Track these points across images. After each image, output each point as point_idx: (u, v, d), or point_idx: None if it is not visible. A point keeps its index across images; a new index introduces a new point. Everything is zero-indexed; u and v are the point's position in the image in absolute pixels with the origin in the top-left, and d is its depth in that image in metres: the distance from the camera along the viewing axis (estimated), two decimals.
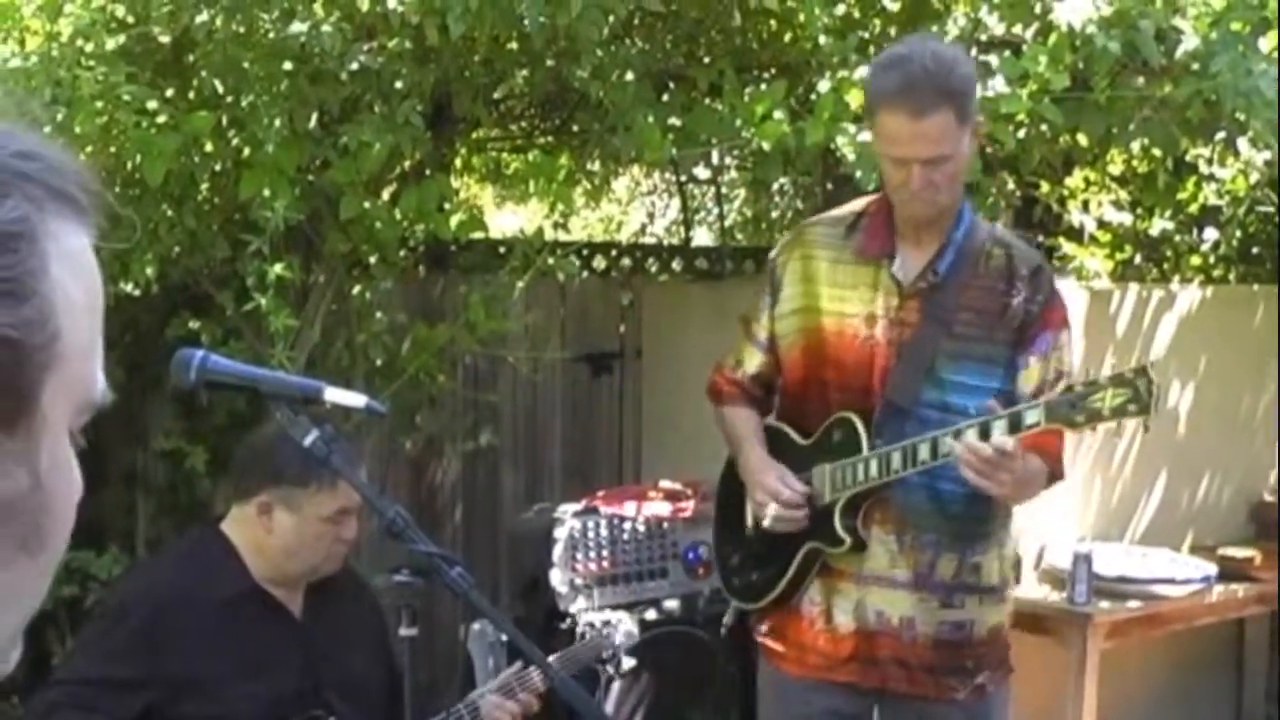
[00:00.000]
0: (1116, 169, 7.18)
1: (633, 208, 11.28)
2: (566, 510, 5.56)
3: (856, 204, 4.02)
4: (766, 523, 3.91)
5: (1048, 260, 5.37)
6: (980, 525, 3.94)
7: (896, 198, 3.79)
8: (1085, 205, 7.14)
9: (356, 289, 5.60)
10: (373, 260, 5.39)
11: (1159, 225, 7.49)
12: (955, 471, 3.64)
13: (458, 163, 6.86)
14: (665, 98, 5.51)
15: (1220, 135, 5.43)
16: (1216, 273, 7.77)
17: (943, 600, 3.91)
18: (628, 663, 4.47)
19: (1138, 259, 7.76)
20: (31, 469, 1.03)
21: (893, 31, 5.45)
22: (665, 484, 5.90)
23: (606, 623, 4.63)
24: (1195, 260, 7.75)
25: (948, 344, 3.81)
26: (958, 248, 3.83)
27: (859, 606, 3.92)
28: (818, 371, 3.92)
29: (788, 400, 4.06)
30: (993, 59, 5.01)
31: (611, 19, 4.87)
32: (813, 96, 5.12)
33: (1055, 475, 3.96)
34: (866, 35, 5.34)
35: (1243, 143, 5.42)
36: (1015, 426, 3.57)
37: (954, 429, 3.63)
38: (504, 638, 5.10)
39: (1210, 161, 6.86)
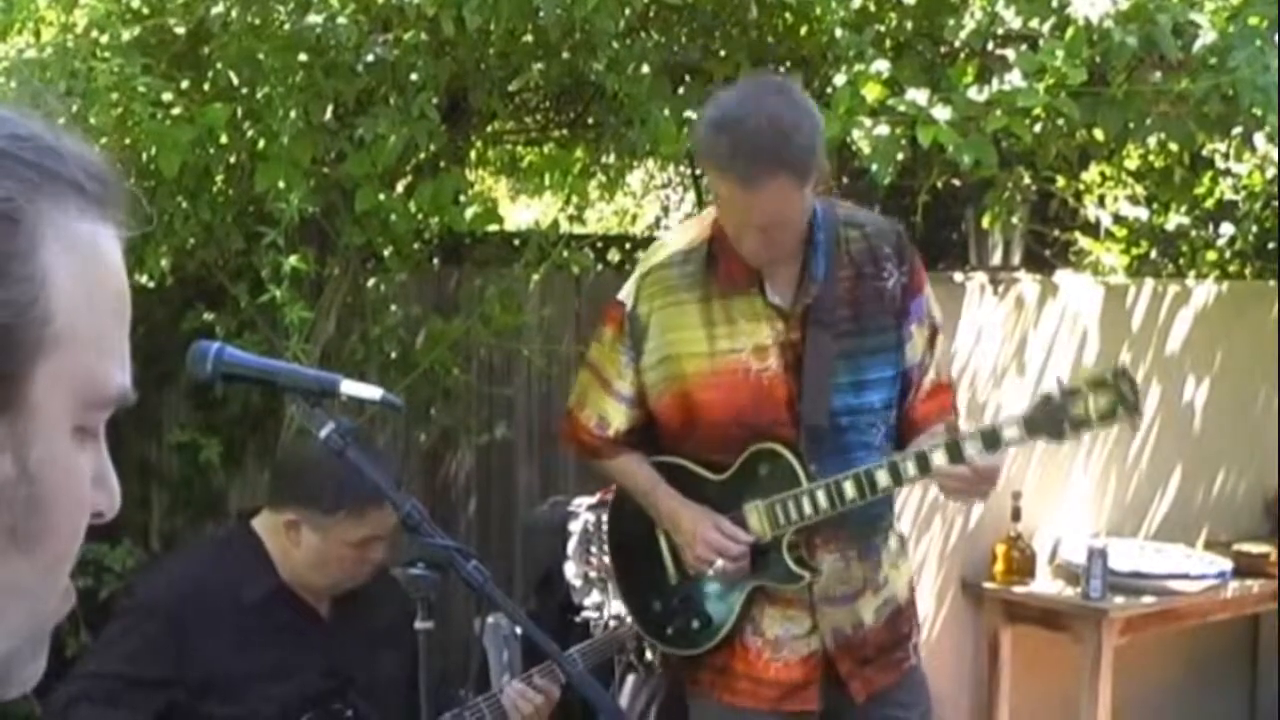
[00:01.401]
0: (1133, 164, 7.16)
1: (647, 201, 11.26)
2: (581, 504, 5.55)
3: (695, 230, 3.82)
4: (711, 573, 3.77)
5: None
6: (876, 509, 3.82)
7: (741, 249, 3.61)
8: (1101, 200, 7.12)
9: (371, 282, 5.60)
10: (387, 253, 5.38)
11: (1175, 220, 7.47)
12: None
13: (473, 155, 6.85)
14: (681, 91, 5.50)
15: (1237, 130, 5.41)
16: (1232, 268, 7.75)
17: (877, 588, 3.87)
18: (650, 657, 4.44)
19: (1153, 254, 7.75)
20: (18, 456, 1.01)
21: (908, 26, 5.44)
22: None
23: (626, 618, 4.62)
24: (1211, 256, 7.73)
25: (838, 347, 3.68)
26: (823, 249, 3.67)
27: (814, 630, 3.82)
28: (702, 414, 3.73)
29: (675, 439, 3.83)
30: (1009, 53, 5.00)
31: (628, 12, 4.86)
32: (828, 90, 5.11)
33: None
34: (883, 29, 5.33)
35: (1259, 138, 5.40)
36: (993, 444, 3.49)
37: (916, 452, 3.55)
38: (519, 631, 5.10)
39: (1227, 157, 6.84)
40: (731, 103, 3.56)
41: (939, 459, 3.51)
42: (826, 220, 3.71)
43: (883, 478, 3.56)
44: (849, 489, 3.59)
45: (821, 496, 3.62)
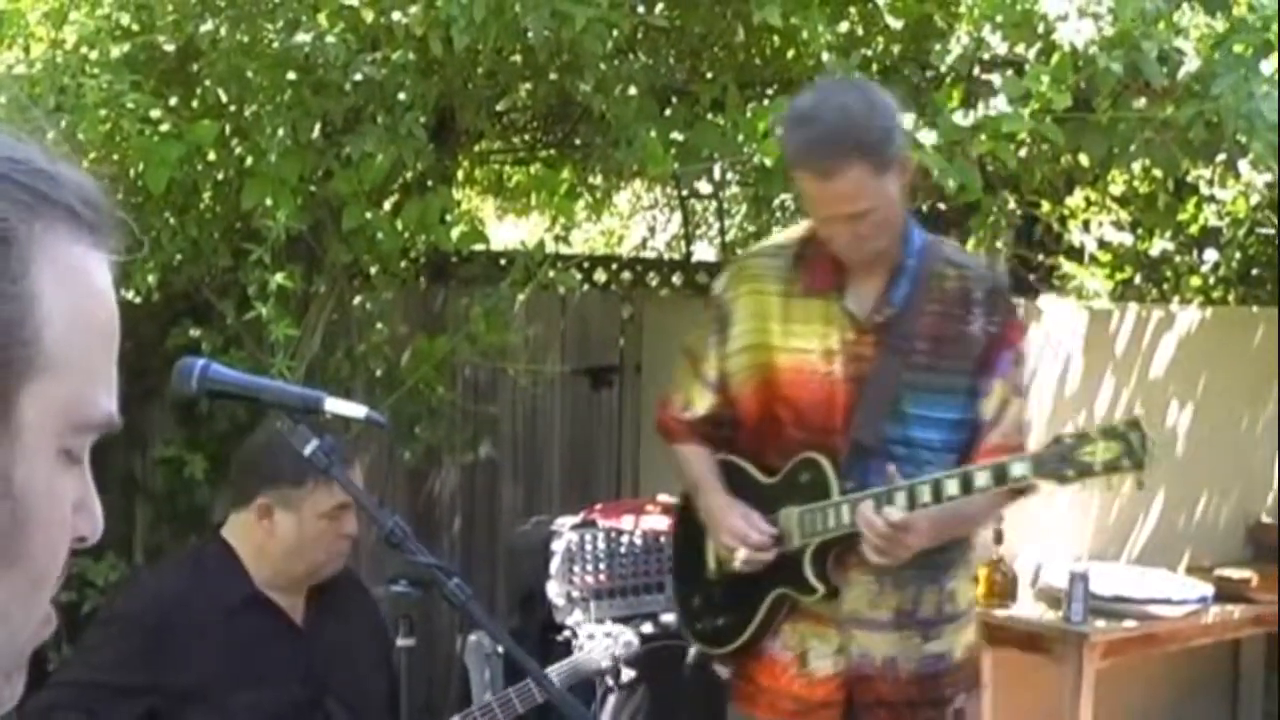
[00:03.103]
0: (1117, 189, 7.19)
1: (634, 222, 11.28)
2: (564, 523, 5.57)
3: (796, 231, 3.89)
4: (736, 564, 3.78)
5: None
6: (952, 552, 3.83)
7: (831, 245, 3.66)
8: (1086, 225, 7.14)
9: (357, 299, 5.60)
10: (374, 271, 5.40)
11: (1159, 246, 7.51)
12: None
13: (460, 175, 6.87)
14: (668, 112, 5.52)
15: (1221, 157, 5.44)
16: (1216, 294, 7.78)
17: (924, 635, 3.81)
18: (627, 674, 4.45)
19: (1138, 279, 7.78)
20: (2, 476, 1.01)
21: (895, 50, 5.47)
22: (663, 498, 5.89)
23: (607, 634, 4.63)
24: (1195, 281, 7.76)
25: (908, 376, 3.68)
26: (911, 275, 3.69)
27: (841, 650, 3.80)
28: (774, 408, 3.77)
29: (747, 435, 3.87)
30: (995, 78, 5.02)
31: (615, 33, 4.88)
32: None
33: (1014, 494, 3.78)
34: (869, 53, 5.35)
35: (1243, 165, 5.44)
36: (1000, 479, 3.48)
37: (933, 478, 3.52)
38: (500, 649, 5.11)
39: (1211, 183, 6.87)
40: (805, 101, 3.65)
41: (951, 488, 3.49)
42: (925, 252, 3.74)
43: (900, 499, 3.52)
44: (863, 508, 3.56)
45: (845, 511, 3.62)
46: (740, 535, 3.74)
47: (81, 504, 1.09)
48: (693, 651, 4.32)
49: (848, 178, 3.48)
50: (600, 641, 4.46)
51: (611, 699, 5.14)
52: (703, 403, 3.90)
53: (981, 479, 3.48)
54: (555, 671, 4.24)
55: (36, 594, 1.08)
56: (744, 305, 3.80)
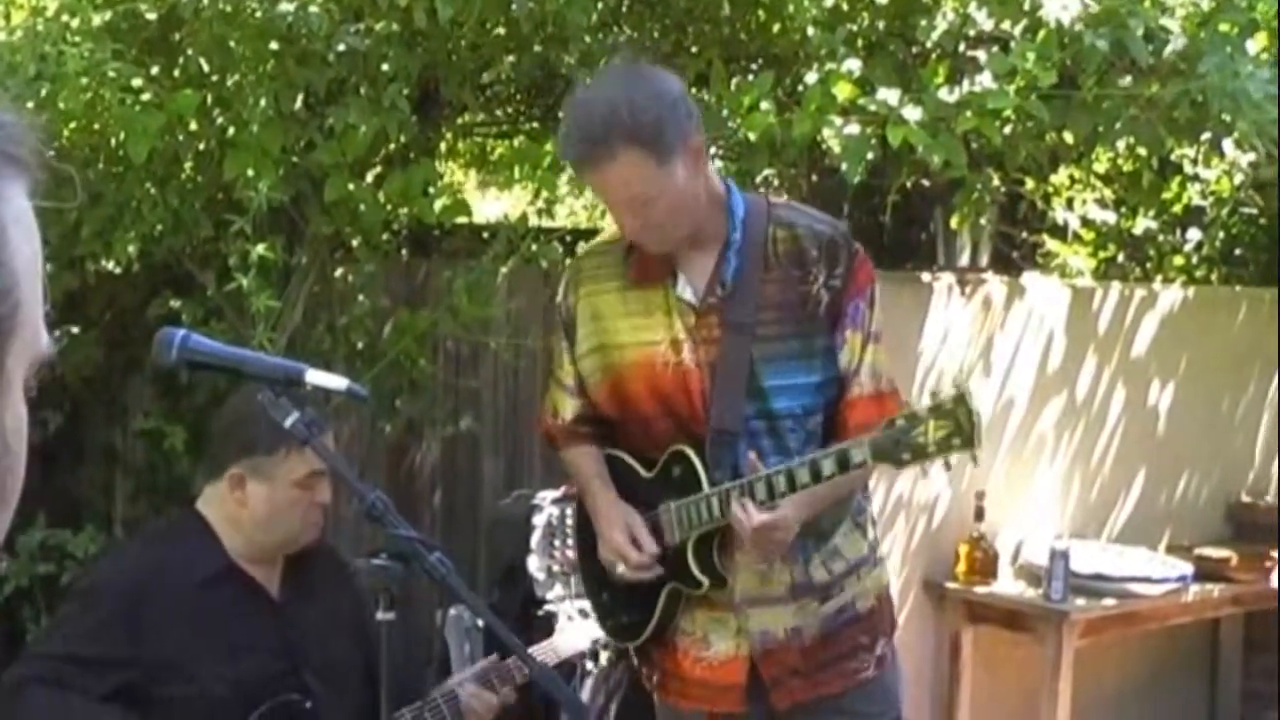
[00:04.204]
0: (1102, 167, 7.18)
1: None
2: (545, 497, 5.56)
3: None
4: (617, 576, 3.75)
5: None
6: (830, 516, 3.75)
7: (631, 238, 3.62)
8: (1070, 203, 7.15)
9: (339, 272, 5.59)
10: (356, 243, 5.37)
11: (1143, 224, 7.51)
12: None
13: (443, 147, 6.84)
14: None
15: (1206, 136, 5.44)
16: (1199, 273, 7.79)
17: (822, 597, 3.77)
18: (605, 656, 4.44)
19: (1121, 258, 7.78)
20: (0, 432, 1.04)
21: (881, 26, 5.45)
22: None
23: (586, 615, 4.62)
24: (1178, 260, 7.77)
25: (759, 350, 3.61)
26: (738, 249, 3.62)
27: (740, 632, 3.76)
28: (636, 404, 3.72)
29: (622, 432, 3.82)
30: (981, 55, 5.02)
31: (600, 6, 4.87)
32: (800, 88, 5.11)
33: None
34: (855, 28, 5.33)
35: (1228, 144, 5.43)
36: (844, 465, 3.41)
37: (786, 467, 3.46)
38: (480, 623, 5.11)
39: (1195, 162, 6.87)
40: (578, 95, 3.63)
41: (804, 476, 3.44)
42: (752, 219, 3.65)
43: (760, 490, 3.48)
44: (734, 509, 3.51)
45: (715, 503, 3.57)
46: (620, 553, 3.70)
47: None
48: (610, 645, 4.28)
49: (616, 167, 3.42)
50: (580, 623, 4.45)
51: (591, 675, 5.14)
52: (568, 408, 3.86)
53: (828, 466, 3.41)
54: (535, 652, 4.23)
55: (5, 524, 1.12)
56: (584, 308, 3.76)
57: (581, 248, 7.64)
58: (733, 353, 3.60)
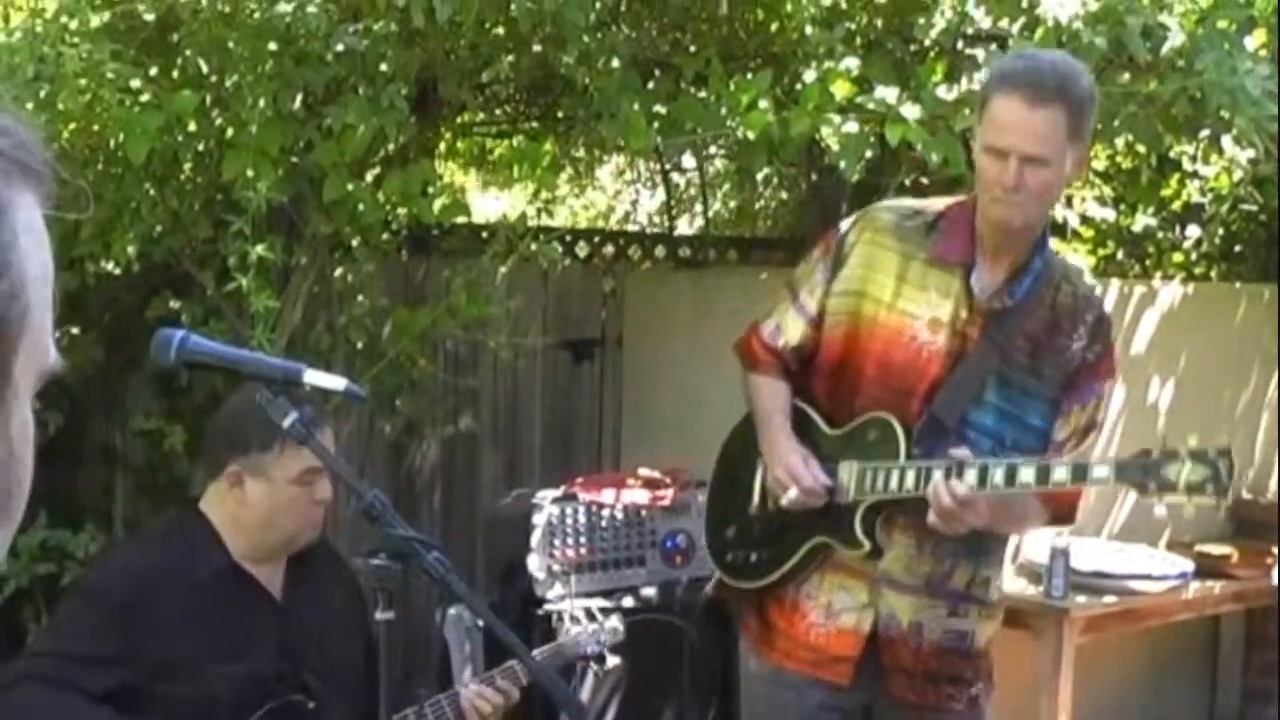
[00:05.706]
0: (1100, 164, 7.18)
1: (616, 195, 11.26)
2: (545, 496, 5.56)
3: (935, 203, 3.88)
4: (783, 502, 3.79)
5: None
6: (994, 541, 3.88)
7: (986, 196, 3.64)
8: (1069, 200, 7.13)
9: (338, 271, 5.58)
10: (355, 243, 5.37)
11: (1142, 221, 7.50)
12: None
13: (442, 147, 6.84)
14: (651, 85, 5.50)
15: (1205, 133, 5.44)
16: (1199, 270, 7.78)
17: (950, 609, 3.84)
18: (612, 661, 4.43)
19: (1120, 255, 7.78)
20: (6, 440, 1.04)
21: (879, 24, 5.45)
22: (644, 472, 5.89)
23: (592, 617, 4.62)
24: (1177, 257, 7.77)
25: (1002, 369, 3.71)
26: (1035, 275, 3.72)
27: (868, 606, 3.82)
28: (856, 361, 3.78)
29: (820, 381, 3.88)
30: (979, 52, 5.02)
31: (598, 5, 4.87)
32: (798, 87, 5.12)
33: (1060, 519, 3.92)
34: (853, 26, 5.33)
35: (1227, 140, 5.43)
36: (1079, 477, 3.51)
37: (1009, 463, 3.53)
38: (480, 623, 5.10)
39: (1194, 159, 6.87)
40: (1026, 51, 3.85)
41: (1026, 475, 3.50)
42: (1052, 262, 3.79)
43: (970, 476, 3.52)
44: (937, 476, 3.56)
45: (910, 476, 3.63)
46: (796, 476, 3.76)
47: None
48: (714, 579, 4.28)
49: (1048, 115, 3.50)
50: (587, 628, 4.44)
51: (590, 675, 5.13)
52: (795, 331, 3.91)
53: (1060, 474, 3.50)
54: (539, 654, 4.23)
55: (12, 533, 1.12)
56: (862, 251, 3.80)
57: (582, 248, 7.68)
58: (980, 358, 3.71)
